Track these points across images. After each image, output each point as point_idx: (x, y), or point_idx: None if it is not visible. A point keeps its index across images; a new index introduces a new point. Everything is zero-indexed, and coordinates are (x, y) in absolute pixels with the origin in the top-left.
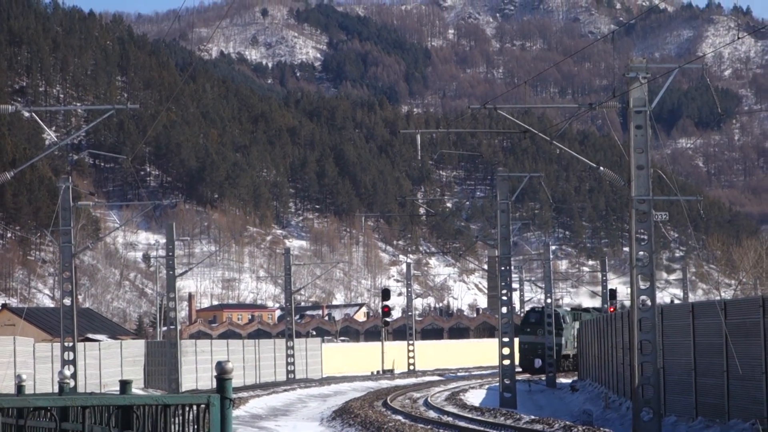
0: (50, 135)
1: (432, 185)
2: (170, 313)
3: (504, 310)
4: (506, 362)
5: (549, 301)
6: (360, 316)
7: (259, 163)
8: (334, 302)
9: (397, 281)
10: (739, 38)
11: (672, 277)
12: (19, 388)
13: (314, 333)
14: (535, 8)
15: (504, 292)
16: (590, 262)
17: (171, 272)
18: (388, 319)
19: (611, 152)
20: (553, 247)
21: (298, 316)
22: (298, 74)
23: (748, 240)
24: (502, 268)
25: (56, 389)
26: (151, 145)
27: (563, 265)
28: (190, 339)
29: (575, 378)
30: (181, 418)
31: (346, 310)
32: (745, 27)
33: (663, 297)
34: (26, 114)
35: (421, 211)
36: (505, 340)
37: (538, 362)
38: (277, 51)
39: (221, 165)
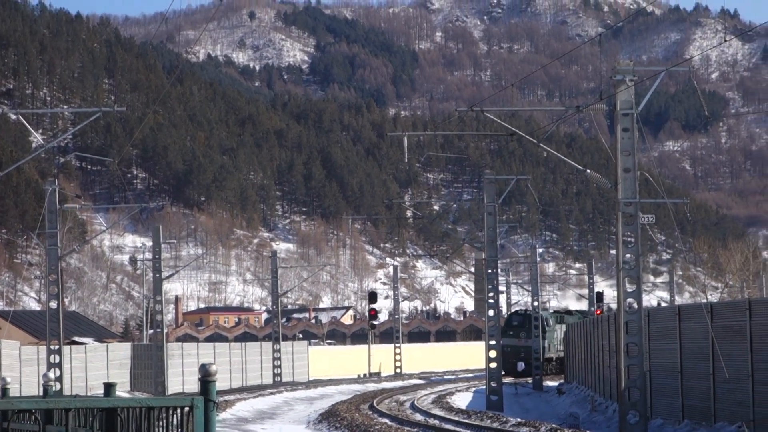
0: (37, 137)
1: (419, 188)
2: (157, 316)
3: (491, 312)
4: (493, 365)
5: (536, 303)
6: (347, 319)
7: (246, 165)
8: (321, 305)
9: (384, 284)
10: (726, 41)
11: (659, 279)
12: (4, 390)
13: (301, 336)
14: (523, 11)
15: (491, 294)
16: (577, 265)
17: (157, 275)
18: (374, 322)
19: (598, 155)
20: (540, 250)
21: (284, 319)
22: (285, 77)
23: (735, 243)
24: (489, 271)
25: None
26: (138, 147)
27: (550, 267)
28: (177, 342)
29: (562, 381)
30: (165, 421)
31: (332, 313)
32: (732, 30)
33: (650, 300)
34: (13, 116)
35: (408, 213)
36: (492, 342)
37: (521, 365)
38: (264, 53)
39: (208, 168)
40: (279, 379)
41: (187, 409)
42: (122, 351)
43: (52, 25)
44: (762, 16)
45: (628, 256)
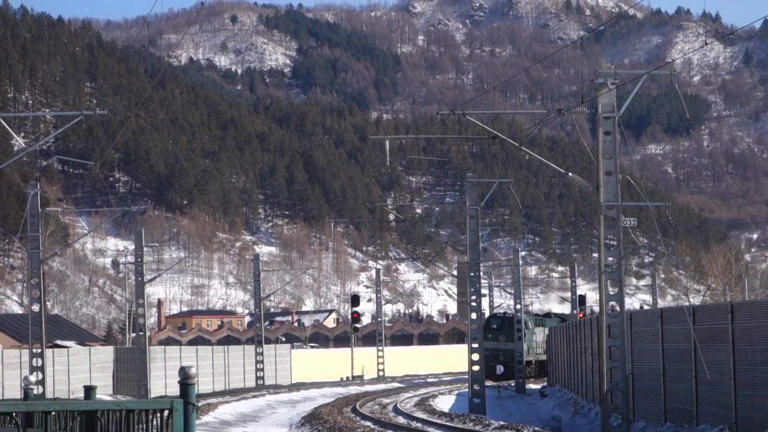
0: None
1: (401, 191)
2: (139, 320)
3: (473, 315)
4: (475, 368)
5: (519, 307)
6: (329, 322)
7: (229, 169)
8: (304, 308)
9: (367, 287)
10: (707, 44)
11: (641, 282)
12: None
13: (284, 339)
14: (505, 14)
15: (473, 297)
16: (560, 268)
17: (140, 278)
18: (357, 325)
19: (581, 158)
20: (523, 253)
21: (267, 323)
22: (267, 80)
23: (717, 246)
24: (471, 274)
25: None
26: (120, 151)
27: (533, 270)
28: (160, 345)
29: (545, 384)
30: (145, 424)
31: (315, 316)
32: (714, 33)
33: (632, 303)
34: None
35: (391, 217)
36: (475, 345)
37: (499, 369)
38: (246, 57)
39: (190, 171)
40: (262, 382)
41: (167, 412)
42: (105, 354)
43: (34, 29)
44: (744, 19)
45: (610, 259)
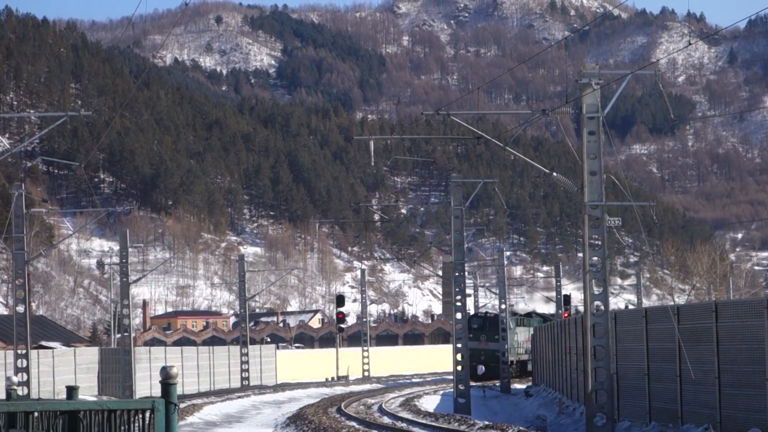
0: (3, 142)
1: (386, 191)
2: (124, 320)
3: (458, 315)
4: (460, 368)
5: (504, 306)
6: (315, 323)
7: (214, 169)
8: (289, 309)
9: (352, 287)
10: (690, 44)
11: (626, 282)
12: None
13: (269, 340)
14: (490, 15)
15: (458, 298)
16: (545, 268)
17: (125, 279)
18: (342, 326)
19: (566, 158)
20: (508, 253)
21: (252, 323)
22: (252, 81)
23: (702, 246)
24: (456, 274)
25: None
26: (105, 152)
27: (518, 270)
28: (145, 346)
29: (529, 384)
30: (127, 424)
31: (300, 317)
32: (698, 33)
33: (617, 302)
34: None
35: (376, 217)
36: (459, 345)
37: (480, 369)
38: (231, 58)
39: (175, 172)
40: (247, 382)
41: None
42: (90, 355)
43: (19, 30)
44: (728, 19)
45: (594, 258)
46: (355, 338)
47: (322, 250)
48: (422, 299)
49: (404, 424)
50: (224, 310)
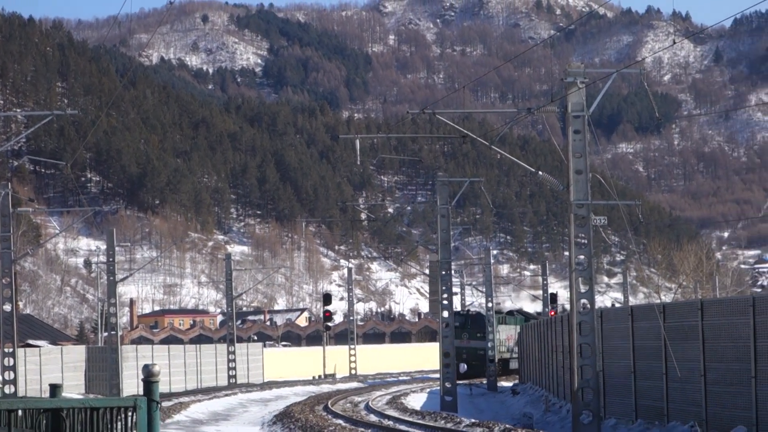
0: None
1: (373, 190)
2: (111, 319)
3: (445, 314)
4: (447, 366)
5: (490, 305)
6: (302, 321)
7: (200, 168)
8: (276, 307)
9: (339, 286)
10: (675, 43)
11: (613, 280)
12: None
13: (256, 338)
14: (476, 14)
15: (445, 296)
16: (531, 267)
17: (112, 278)
18: (329, 324)
19: (552, 157)
20: (495, 252)
21: (239, 321)
22: (238, 80)
23: (688, 244)
24: (443, 273)
25: None
26: (92, 151)
27: (505, 269)
28: (132, 345)
29: (516, 381)
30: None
31: (287, 315)
32: (684, 32)
33: (604, 301)
34: None
35: (363, 216)
36: (447, 343)
37: (463, 367)
38: (217, 57)
39: (162, 171)
40: (234, 380)
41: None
42: (77, 354)
43: (5, 29)
44: (713, 18)
45: (581, 257)
46: (342, 336)
47: (309, 249)
48: (409, 297)
49: (391, 422)
50: (211, 309)
